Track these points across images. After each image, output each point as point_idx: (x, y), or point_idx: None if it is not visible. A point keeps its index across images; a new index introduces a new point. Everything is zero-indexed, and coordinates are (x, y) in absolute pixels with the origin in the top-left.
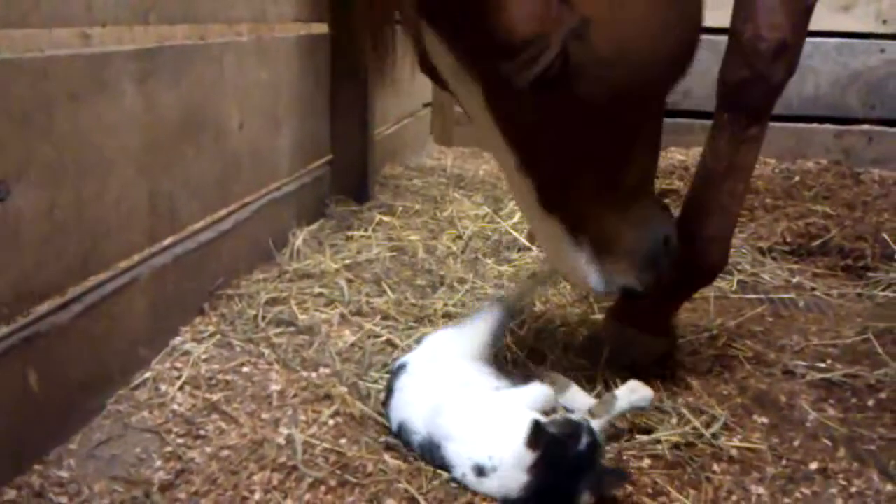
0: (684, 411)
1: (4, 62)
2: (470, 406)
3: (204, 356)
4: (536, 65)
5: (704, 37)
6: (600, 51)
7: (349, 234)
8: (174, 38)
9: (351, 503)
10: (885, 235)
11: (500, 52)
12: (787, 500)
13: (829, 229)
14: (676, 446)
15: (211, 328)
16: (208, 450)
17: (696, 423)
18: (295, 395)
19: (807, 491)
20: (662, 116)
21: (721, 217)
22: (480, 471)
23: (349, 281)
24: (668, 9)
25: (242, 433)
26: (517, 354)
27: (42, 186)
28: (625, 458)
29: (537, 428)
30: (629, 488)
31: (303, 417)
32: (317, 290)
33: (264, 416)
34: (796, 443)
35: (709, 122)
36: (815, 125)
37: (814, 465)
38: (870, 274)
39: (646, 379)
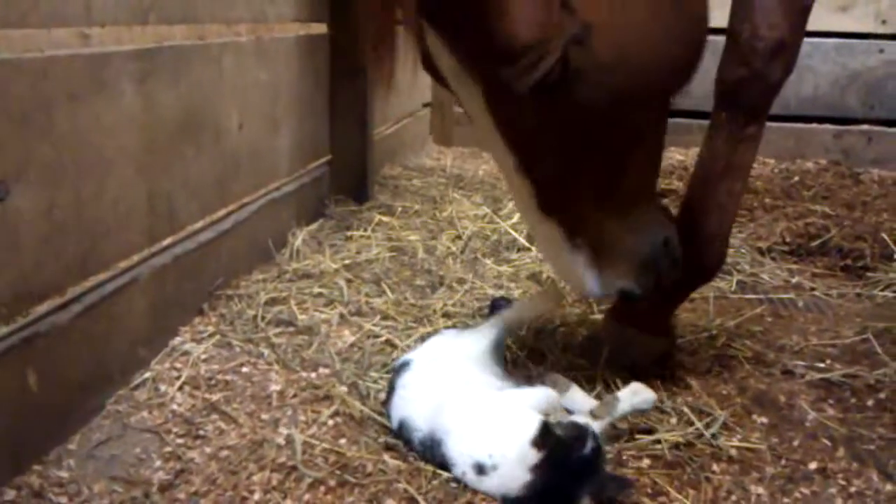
0: (684, 411)
1: (3, 62)
2: (472, 404)
3: (203, 356)
4: (537, 70)
5: None
6: (601, 57)
7: (348, 234)
8: (173, 38)
9: (350, 503)
10: (884, 235)
11: (500, 56)
12: (786, 499)
13: (828, 229)
14: (676, 446)
15: (210, 328)
16: (208, 450)
17: (698, 424)
18: (294, 396)
19: (806, 491)
20: (665, 122)
21: (719, 216)
22: (480, 469)
23: (348, 281)
24: (671, 15)
25: (242, 433)
26: (517, 354)
27: (41, 186)
28: (624, 457)
29: (545, 428)
30: None
31: (302, 417)
32: (316, 290)
33: (264, 416)
34: (796, 443)
35: (708, 122)
36: (814, 125)
37: (813, 465)
38: (869, 274)
39: (645, 379)
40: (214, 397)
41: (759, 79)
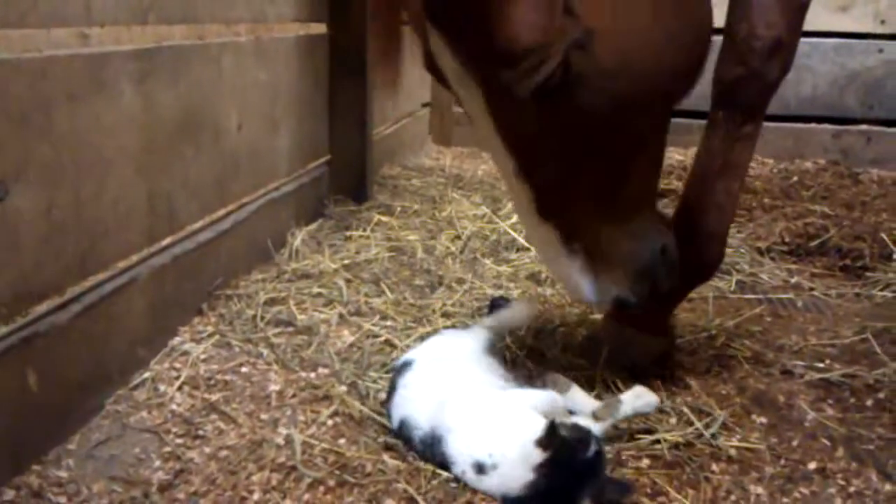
0: (684, 410)
1: (3, 62)
2: (474, 403)
3: (203, 356)
4: (538, 74)
5: None
6: (603, 62)
7: (348, 234)
8: (173, 38)
9: (350, 503)
10: (883, 235)
11: (502, 58)
12: (785, 499)
13: (827, 229)
14: (675, 446)
15: (210, 328)
16: (207, 450)
17: (697, 424)
18: (294, 396)
19: (805, 491)
20: (667, 129)
21: (717, 215)
22: (480, 468)
23: (348, 281)
24: (673, 21)
25: (241, 433)
26: (516, 354)
27: (40, 186)
28: (624, 457)
29: (552, 429)
30: None
31: (301, 417)
32: (315, 290)
33: (263, 416)
34: (795, 442)
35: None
36: (813, 125)
37: (812, 465)
38: (868, 274)
39: (645, 379)
40: (214, 397)
41: (756, 78)
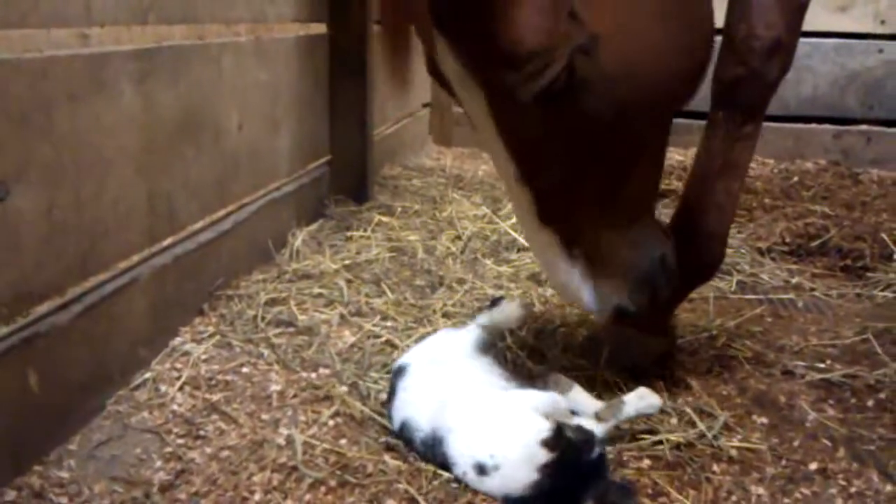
0: (686, 411)
1: (3, 62)
2: (475, 404)
3: (203, 357)
4: (542, 78)
5: None
6: (607, 67)
7: (348, 234)
8: (173, 38)
9: (351, 503)
10: (883, 236)
11: (506, 62)
12: (786, 500)
13: (827, 229)
14: (676, 447)
15: (210, 329)
16: (208, 450)
17: (700, 425)
18: (295, 396)
19: (806, 491)
20: (668, 136)
21: (717, 215)
22: (481, 469)
23: (348, 281)
24: (678, 28)
25: (242, 433)
26: (517, 354)
27: (41, 187)
28: (625, 458)
29: (559, 430)
30: None
31: (302, 418)
32: (316, 290)
33: (264, 416)
34: (796, 443)
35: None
36: (813, 126)
37: (813, 466)
38: (869, 274)
39: (645, 379)
40: (215, 397)
41: (756, 78)
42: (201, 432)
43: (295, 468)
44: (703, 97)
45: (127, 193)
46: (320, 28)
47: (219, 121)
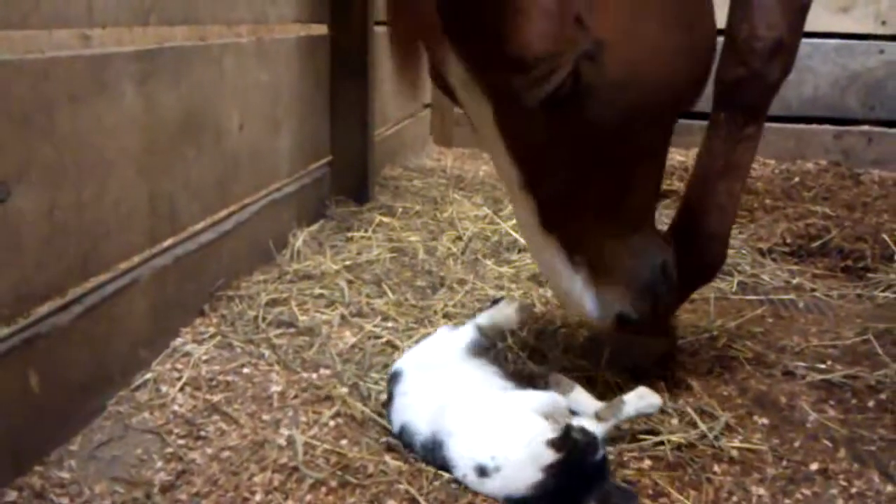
0: (687, 411)
1: (5, 63)
2: (475, 405)
3: (204, 357)
4: (548, 83)
5: None
6: (612, 74)
7: (349, 235)
8: (174, 39)
9: None
10: (884, 236)
11: (512, 67)
12: (787, 500)
13: (828, 230)
14: (677, 447)
15: (211, 329)
16: (209, 451)
17: (701, 426)
18: (295, 396)
19: (807, 492)
20: (669, 141)
21: (719, 216)
22: (482, 471)
23: (349, 282)
24: (682, 36)
25: (243, 434)
26: (517, 355)
27: (42, 187)
28: (625, 458)
29: (567, 431)
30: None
31: (303, 418)
32: (317, 291)
33: (265, 417)
34: (797, 444)
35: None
36: (814, 126)
37: (814, 466)
38: (870, 275)
39: (646, 380)
40: (215, 398)
41: (757, 79)
42: (202, 433)
43: (296, 469)
44: (704, 97)
45: (128, 194)
46: (321, 29)
47: (220, 121)
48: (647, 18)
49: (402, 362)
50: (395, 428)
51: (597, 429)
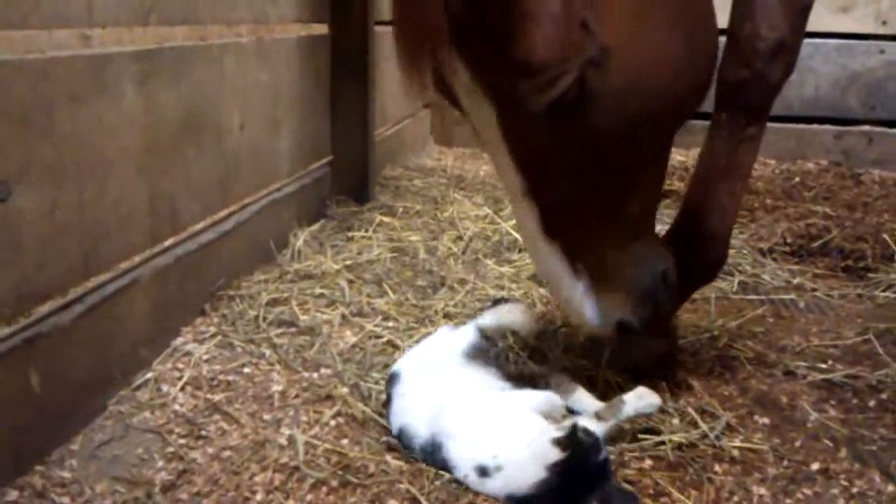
0: (688, 411)
1: (5, 63)
2: (475, 406)
3: (205, 357)
4: (553, 88)
5: None
6: (617, 80)
7: (350, 234)
8: (174, 39)
9: (353, 503)
10: (885, 236)
11: (518, 72)
12: (788, 500)
13: (829, 230)
14: (678, 447)
15: (212, 329)
16: (210, 450)
17: (703, 426)
18: (296, 396)
19: (808, 491)
20: (670, 150)
21: (720, 216)
22: (483, 471)
23: (350, 282)
24: (685, 43)
25: (244, 434)
26: (518, 355)
27: (43, 187)
28: (626, 458)
29: (574, 430)
30: (631, 489)
31: (304, 418)
32: (318, 290)
33: (266, 416)
34: (798, 443)
35: (709, 123)
36: (815, 126)
37: (815, 466)
38: (870, 275)
39: (647, 380)
40: (216, 398)
41: (759, 79)
42: (203, 432)
43: (297, 468)
44: (706, 98)
45: (128, 194)
46: (322, 29)
47: (220, 121)
48: (651, 25)
49: (401, 364)
50: (395, 430)
51: (597, 429)
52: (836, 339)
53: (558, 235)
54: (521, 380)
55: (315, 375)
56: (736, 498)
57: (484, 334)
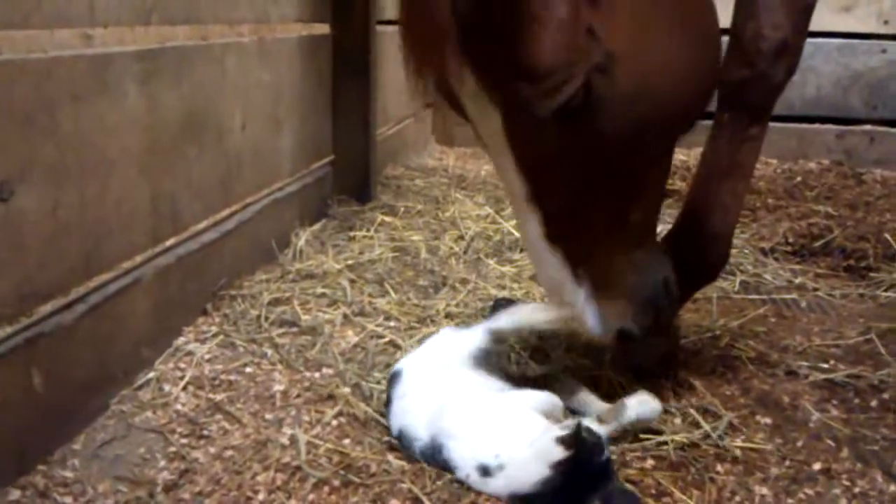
0: (690, 412)
1: (7, 63)
2: (475, 406)
3: (207, 356)
4: (560, 93)
5: None
6: (622, 86)
7: (351, 234)
8: (176, 38)
9: (354, 503)
10: (887, 236)
11: (524, 77)
12: (790, 500)
13: (831, 230)
14: (680, 447)
15: (214, 328)
16: (212, 450)
17: (705, 426)
18: (298, 396)
19: (810, 491)
20: (672, 156)
21: (722, 216)
22: (485, 470)
23: (352, 281)
24: (690, 49)
25: (246, 433)
26: (520, 354)
27: (45, 187)
28: (628, 458)
29: (579, 428)
30: (633, 489)
31: (306, 418)
32: (319, 290)
33: (268, 416)
34: (800, 443)
35: (711, 122)
36: (816, 126)
37: (817, 466)
38: (872, 274)
39: (649, 379)
40: (218, 397)
41: (762, 79)
42: (205, 432)
43: (298, 468)
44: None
45: (130, 194)
46: (323, 28)
47: (222, 121)
48: (656, 31)
49: (403, 364)
50: (395, 431)
51: (599, 431)
52: (838, 339)
53: (561, 241)
54: (521, 380)
55: (317, 375)
56: (738, 498)
57: (497, 337)
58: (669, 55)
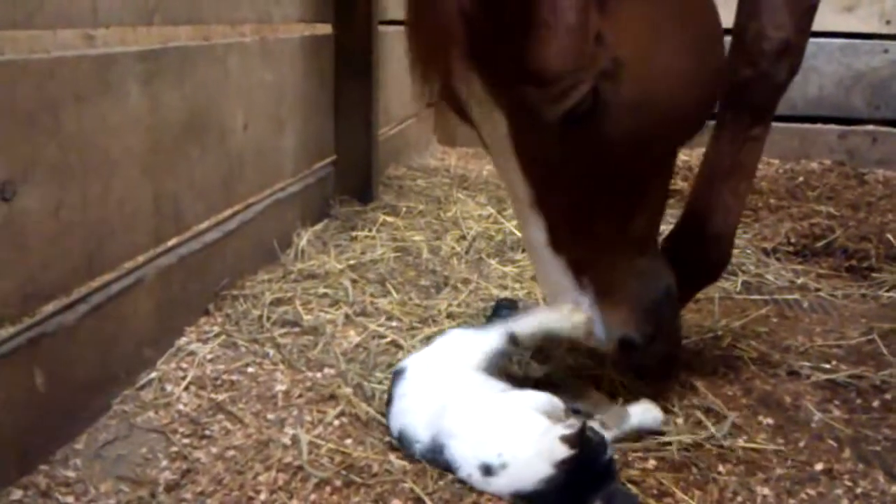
0: (694, 412)
1: (10, 63)
2: (476, 406)
3: (209, 356)
4: (567, 98)
5: None
6: (630, 92)
7: (353, 234)
8: (178, 39)
9: (356, 503)
10: (889, 236)
11: (532, 82)
12: (792, 500)
13: (833, 230)
14: (683, 447)
15: (216, 328)
16: (214, 450)
17: (710, 427)
18: (300, 396)
19: (812, 492)
20: (675, 163)
21: (724, 216)
22: (488, 469)
23: (354, 281)
24: (695, 55)
25: (248, 433)
26: (521, 354)
27: (48, 187)
28: (630, 458)
29: (583, 427)
30: (634, 489)
31: (308, 418)
32: (321, 290)
33: (269, 416)
34: (802, 444)
35: (712, 122)
36: (819, 126)
37: (819, 466)
38: (874, 274)
39: (650, 379)
40: (220, 397)
41: (765, 79)
42: (207, 432)
43: (300, 468)
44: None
45: (133, 194)
46: (325, 28)
47: (224, 121)
48: (663, 39)
49: (407, 363)
50: (395, 432)
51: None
52: (840, 340)
53: (565, 248)
54: (526, 381)
55: (319, 375)
56: (740, 498)
57: (515, 341)
58: (676, 61)
